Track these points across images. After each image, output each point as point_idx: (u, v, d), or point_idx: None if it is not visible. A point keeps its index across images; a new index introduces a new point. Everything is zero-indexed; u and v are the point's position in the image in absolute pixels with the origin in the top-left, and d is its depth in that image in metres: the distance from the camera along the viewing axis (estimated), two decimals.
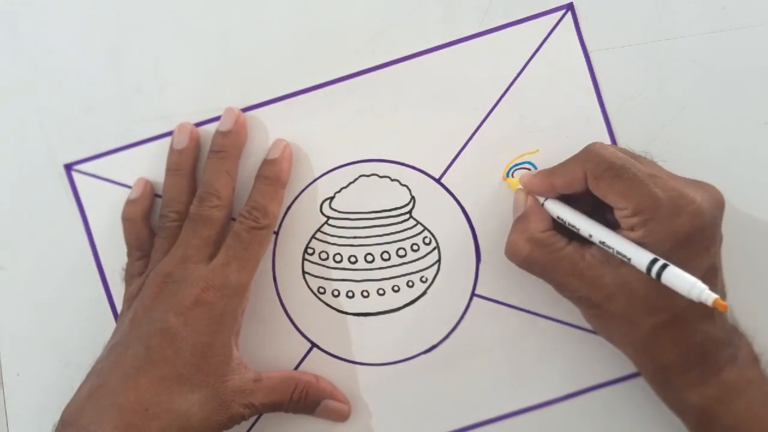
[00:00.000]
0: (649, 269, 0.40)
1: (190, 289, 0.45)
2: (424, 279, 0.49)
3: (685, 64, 0.48)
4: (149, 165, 0.50)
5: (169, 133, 0.49)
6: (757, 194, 0.48)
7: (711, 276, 0.42)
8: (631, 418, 0.49)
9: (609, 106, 0.48)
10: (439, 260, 0.49)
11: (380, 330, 0.49)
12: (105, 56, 0.50)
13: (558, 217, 0.45)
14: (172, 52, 0.49)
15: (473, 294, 0.49)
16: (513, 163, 0.49)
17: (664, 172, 0.43)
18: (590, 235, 0.43)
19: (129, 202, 0.50)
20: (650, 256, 0.40)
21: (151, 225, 0.50)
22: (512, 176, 0.49)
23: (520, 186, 0.47)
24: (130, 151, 0.50)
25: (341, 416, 0.49)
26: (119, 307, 0.50)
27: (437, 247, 0.49)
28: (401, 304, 0.49)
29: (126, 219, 0.50)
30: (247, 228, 0.46)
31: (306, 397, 0.47)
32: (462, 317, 0.49)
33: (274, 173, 0.48)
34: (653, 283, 0.41)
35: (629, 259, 0.41)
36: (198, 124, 0.49)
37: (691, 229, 0.41)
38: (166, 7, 0.49)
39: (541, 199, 0.46)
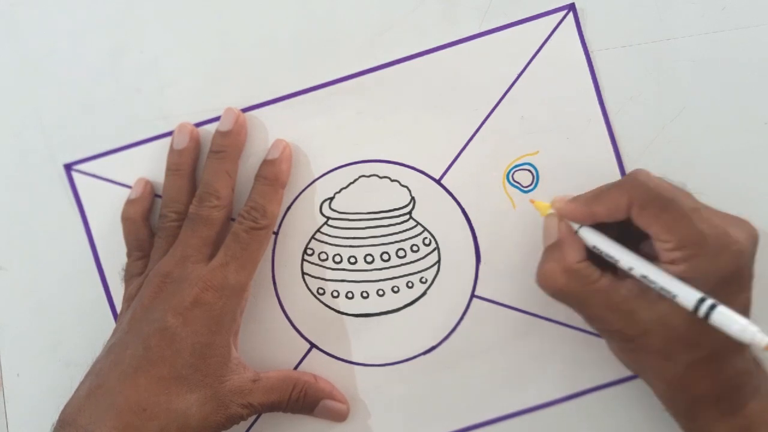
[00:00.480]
0: (696, 308, 0.40)
1: (189, 289, 0.45)
2: (423, 280, 0.49)
3: (686, 64, 0.48)
4: (149, 165, 0.50)
5: (169, 133, 0.49)
6: (757, 194, 0.48)
7: (746, 313, 0.42)
8: (630, 419, 0.49)
9: (609, 106, 0.48)
10: (438, 261, 0.49)
11: (379, 331, 0.49)
12: (105, 56, 0.50)
13: (594, 247, 0.44)
14: (172, 52, 0.49)
15: (473, 295, 0.49)
16: (513, 164, 0.49)
17: (703, 206, 0.42)
18: (630, 269, 0.42)
19: (129, 202, 0.50)
20: (698, 294, 0.40)
21: (151, 225, 0.50)
22: (512, 178, 0.49)
23: (551, 210, 0.46)
24: (130, 151, 0.50)
25: (340, 416, 0.49)
26: (119, 307, 0.50)
27: (437, 248, 0.49)
28: (401, 305, 0.49)
29: (126, 219, 0.50)
30: (246, 228, 0.46)
31: (305, 397, 0.47)
32: (461, 318, 0.49)
33: (273, 173, 0.48)
34: (693, 320, 0.40)
35: (675, 296, 0.40)
36: (198, 124, 0.49)
37: (735, 267, 0.40)
38: (167, 7, 0.49)
39: (575, 226, 0.44)
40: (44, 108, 0.50)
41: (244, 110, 0.49)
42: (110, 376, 0.44)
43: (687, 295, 0.40)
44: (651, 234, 0.42)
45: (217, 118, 0.49)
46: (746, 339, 0.38)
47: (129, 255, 0.50)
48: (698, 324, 0.40)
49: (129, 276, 0.49)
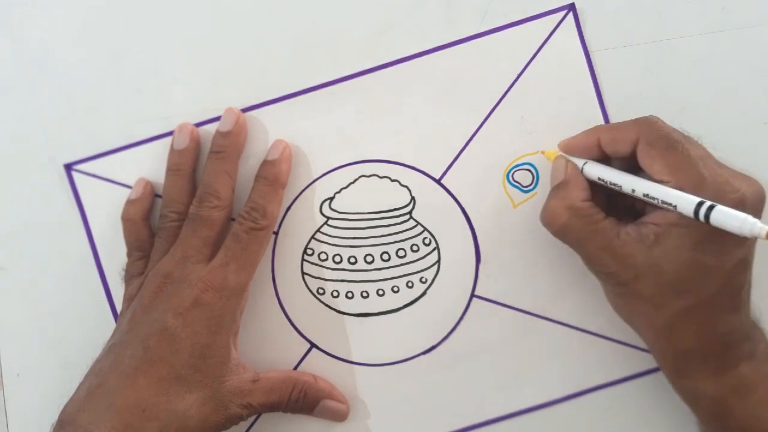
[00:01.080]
0: (696, 212, 0.40)
1: (189, 289, 0.45)
2: (423, 280, 0.49)
3: (686, 64, 0.48)
4: (149, 165, 0.50)
5: (170, 133, 0.49)
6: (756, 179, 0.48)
7: (744, 267, 0.42)
8: (631, 419, 0.49)
9: (609, 106, 0.48)
10: (438, 261, 0.49)
11: (379, 331, 0.49)
12: (105, 56, 0.50)
13: (599, 178, 0.44)
14: (173, 52, 0.49)
15: (473, 295, 0.49)
16: (513, 164, 0.49)
17: (714, 159, 0.43)
18: (633, 190, 0.43)
19: (129, 203, 0.50)
20: (696, 199, 0.40)
21: (151, 225, 0.50)
22: (512, 178, 0.49)
23: (559, 152, 0.47)
24: (131, 151, 0.50)
25: (340, 416, 0.49)
26: (119, 307, 0.50)
27: (437, 247, 0.49)
28: (401, 305, 0.49)
29: (126, 219, 0.50)
30: (246, 229, 0.46)
31: (305, 397, 0.47)
32: (461, 318, 0.49)
33: (273, 174, 0.48)
34: (684, 265, 0.41)
35: (675, 207, 0.40)
36: (198, 124, 0.49)
37: None
38: (167, 8, 0.49)
39: (580, 164, 0.45)
40: (45, 108, 0.50)
41: (245, 110, 0.49)
42: (110, 376, 0.44)
43: (686, 202, 0.40)
44: (653, 174, 0.42)
45: (217, 118, 0.49)
46: (746, 232, 0.38)
47: (129, 255, 0.50)
48: (688, 271, 0.41)
49: (129, 276, 0.49)
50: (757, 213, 0.42)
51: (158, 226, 0.49)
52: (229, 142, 0.48)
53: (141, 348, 0.44)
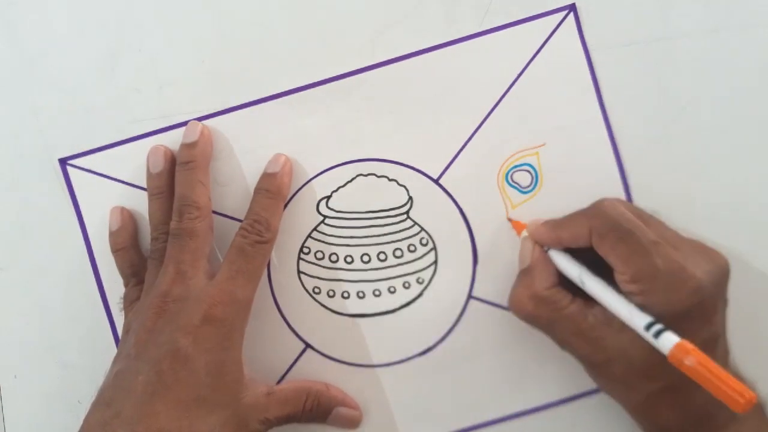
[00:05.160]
0: (647, 330, 0.40)
1: (195, 306, 0.44)
2: (420, 280, 0.49)
3: (686, 64, 0.48)
4: (144, 160, 0.49)
5: (166, 129, 0.49)
6: (757, 195, 0.48)
7: (711, 345, 0.42)
8: (627, 423, 0.48)
9: (609, 106, 0.48)
10: (435, 261, 0.49)
11: (375, 331, 0.49)
12: (103, 56, 0.49)
13: (562, 271, 0.45)
14: (170, 49, 0.49)
15: (470, 296, 0.49)
16: (512, 165, 0.48)
17: (671, 239, 0.43)
18: (592, 292, 0.43)
19: (112, 234, 0.49)
20: (648, 319, 0.40)
21: (141, 250, 0.50)
22: (511, 179, 0.48)
23: (525, 233, 0.47)
24: (126, 146, 0.49)
25: (353, 423, 0.49)
26: (114, 308, 0.50)
27: (434, 248, 0.49)
28: (397, 306, 0.49)
29: (115, 250, 0.49)
30: (251, 242, 0.46)
31: (318, 406, 0.47)
32: (458, 319, 0.49)
33: (275, 186, 0.47)
34: (650, 352, 0.40)
35: (628, 321, 0.41)
36: (197, 120, 0.49)
37: (689, 304, 0.41)
38: (165, 6, 0.49)
39: (545, 248, 0.46)
40: (42, 108, 0.50)
41: (242, 107, 0.49)
42: (125, 405, 0.42)
43: (638, 319, 0.41)
44: (610, 264, 0.42)
45: (215, 114, 0.49)
46: (665, 352, 0.39)
47: (126, 284, 0.49)
48: (654, 357, 0.40)
49: (128, 302, 0.48)
50: (719, 289, 0.42)
51: (151, 250, 0.48)
52: (197, 151, 0.47)
53: (153, 372, 0.42)
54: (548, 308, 0.44)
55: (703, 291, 0.41)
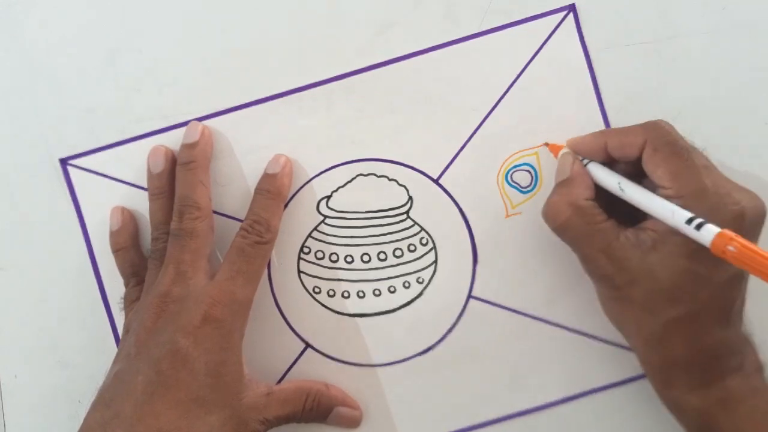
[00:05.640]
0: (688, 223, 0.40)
1: (195, 307, 0.44)
2: (420, 280, 0.49)
3: (685, 64, 0.48)
4: (144, 160, 0.49)
5: (166, 129, 0.49)
6: (757, 194, 0.48)
7: (738, 281, 0.42)
8: (627, 422, 0.49)
9: (609, 107, 0.48)
10: (435, 261, 0.49)
11: (375, 331, 0.49)
12: (104, 56, 0.49)
13: (599, 180, 0.45)
14: (170, 50, 0.49)
15: (470, 296, 0.49)
16: (512, 165, 0.48)
17: (718, 171, 0.43)
18: (631, 197, 0.43)
19: (113, 234, 0.49)
20: (688, 215, 0.40)
21: (142, 250, 0.50)
22: (511, 179, 0.48)
23: (565, 149, 0.47)
24: (126, 146, 0.50)
25: (354, 422, 0.49)
26: (114, 308, 0.50)
27: (434, 248, 0.49)
28: (397, 305, 0.49)
29: (116, 250, 0.49)
30: (251, 243, 0.46)
31: (318, 406, 0.47)
32: (458, 319, 0.49)
33: (275, 187, 0.47)
34: (677, 273, 0.41)
35: (670, 216, 0.41)
36: (198, 120, 0.49)
37: (731, 229, 0.40)
38: (165, 7, 0.49)
39: (584, 161, 0.46)
40: (43, 108, 0.50)
41: (242, 107, 0.49)
42: (125, 405, 0.42)
43: (679, 215, 0.40)
44: (655, 179, 0.42)
45: (216, 114, 0.49)
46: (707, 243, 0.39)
47: (126, 284, 0.49)
48: (682, 278, 0.41)
49: (129, 302, 0.48)
50: (756, 227, 0.42)
51: (152, 250, 0.48)
52: (198, 151, 0.47)
53: (153, 372, 0.42)
54: (584, 219, 0.43)
55: (744, 219, 0.40)
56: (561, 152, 0.47)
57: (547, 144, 0.48)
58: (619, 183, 0.43)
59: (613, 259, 0.42)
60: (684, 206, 0.41)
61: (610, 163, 0.45)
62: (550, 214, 0.45)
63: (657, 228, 0.42)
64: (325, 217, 0.49)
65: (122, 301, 0.49)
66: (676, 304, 0.41)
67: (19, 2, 0.50)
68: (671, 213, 0.41)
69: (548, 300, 0.48)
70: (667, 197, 0.41)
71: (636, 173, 0.44)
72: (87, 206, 0.50)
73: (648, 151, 0.42)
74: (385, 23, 0.48)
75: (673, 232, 0.41)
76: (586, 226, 0.43)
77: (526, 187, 0.49)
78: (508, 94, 0.48)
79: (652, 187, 0.43)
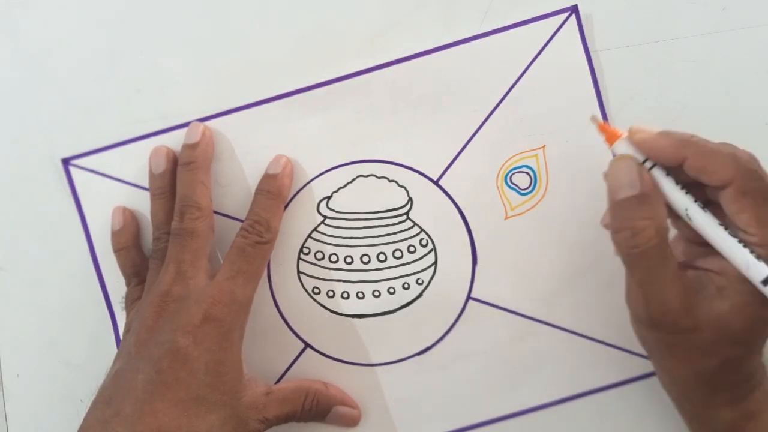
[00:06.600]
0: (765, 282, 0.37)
1: (195, 306, 0.44)
2: (420, 281, 0.49)
3: (686, 65, 0.48)
4: (146, 161, 0.49)
5: (167, 130, 0.49)
6: None
7: None
8: (626, 422, 0.49)
9: (609, 107, 0.48)
10: (435, 262, 0.49)
11: (375, 331, 0.49)
12: (105, 56, 0.49)
13: (665, 197, 0.39)
14: (171, 51, 0.49)
15: (469, 297, 0.49)
16: (512, 167, 0.48)
17: None
18: (705, 233, 0.39)
19: (114, 234, 0.49)
20: (766, 272, 0.37)
21: (143, 249, 0.50)
22: (510, 181, 0.48)
23: (624, 141, 0.40)
24: (128, 146, 0.50)
25: (352, 421, 0.49)
26: (116, 308, 0.50)
27: (434, 249, 0.49)
28: (396, 306, 0.49)
29: (117, 250, 0.49)
30: (251, 242, 0.46)
31: (317, 405, 0.47)
32: (457, 320, 0.49)
33: (276, 188, 0.48)
34: (750, 321, 0.38)
35: (747, 268, 0.38)
36: (200, 121, 0.49)
37: None
38: (166, 7, 0.49)
39: (648, 164, 0.40)
40: (43, 109, 0.50)
41: (243, 108, 0.49)
42: (125, 403, 0.42)
43: (754, 269, 0.37)
44: (737, 221, 0.38)
45: (217, 115, 0.49)
46: None
47: (128, 284, 0.49)
48: (753, 328, 0.39)
49: (130, 302, 0.49)
50: None
51: (153, 249, 0.48)
52: (199, 152, 0.48)
53: (153, 371, 0.42)
54: (665, 251, 0.39)
55: None
56: (618, 148, 0.41)
57: (596, 122, 0.42)
58: (686, 209, 0.39)
59: (679, 298, 0.39)
60: (766, 256, 0.38)
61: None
62: (633, 242, 0.39)
63: (723, 271, 0.39)
64: (325, 217, 0.49)
65: (124, 300, 0.50)
66: (739, 345, 0.40)
67: (19, 2, 0.50)
68: (746, 265, 0.37)
69: (547, 302, 0.48)
70: (750, 243, 0.38)
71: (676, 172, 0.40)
72: (89, 206, 0.50)
73: (733, 191, 0.38)
74: (385, 24, 0.48)
75: (742, 280, 0.38)
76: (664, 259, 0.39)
77: (525, 189, 0.49)
78: (508, 95, 0.48)
79: (721, 215, 0.39)
